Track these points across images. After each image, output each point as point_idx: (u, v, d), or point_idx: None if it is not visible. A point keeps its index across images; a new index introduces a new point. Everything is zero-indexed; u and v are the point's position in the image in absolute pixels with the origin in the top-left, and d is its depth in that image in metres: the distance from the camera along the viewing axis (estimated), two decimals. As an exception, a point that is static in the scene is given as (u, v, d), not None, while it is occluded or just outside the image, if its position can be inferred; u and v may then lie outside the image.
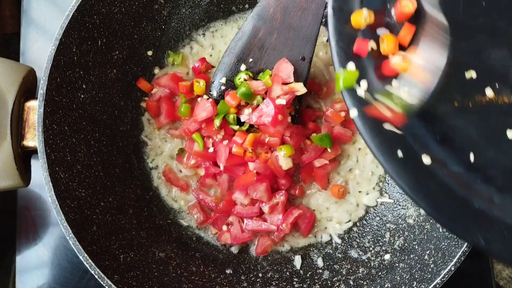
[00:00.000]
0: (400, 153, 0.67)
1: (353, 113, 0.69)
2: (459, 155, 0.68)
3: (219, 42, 1.12)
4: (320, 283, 1.00)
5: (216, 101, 1.00)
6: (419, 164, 0.67)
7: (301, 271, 1.03)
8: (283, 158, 0.97)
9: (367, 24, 0.69)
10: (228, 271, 1.01)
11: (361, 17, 0.68)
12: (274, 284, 1.00)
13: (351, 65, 0.69)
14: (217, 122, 0.97)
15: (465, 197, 0.67)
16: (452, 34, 0.69)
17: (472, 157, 0.68)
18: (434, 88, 0.68)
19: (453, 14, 0.69)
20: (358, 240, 1.04)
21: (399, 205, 1.02)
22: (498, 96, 0.68)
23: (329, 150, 1.02)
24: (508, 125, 0.68)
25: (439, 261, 0.86)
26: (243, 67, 0.98)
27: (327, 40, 1.11)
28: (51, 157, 0.88)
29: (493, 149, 0.68)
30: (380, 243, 1.01)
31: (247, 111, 0.97)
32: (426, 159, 0.67)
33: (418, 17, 0.69)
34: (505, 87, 0.68)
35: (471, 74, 0.68)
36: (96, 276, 0.84)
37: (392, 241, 0.99)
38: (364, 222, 1.05)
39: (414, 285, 0.88)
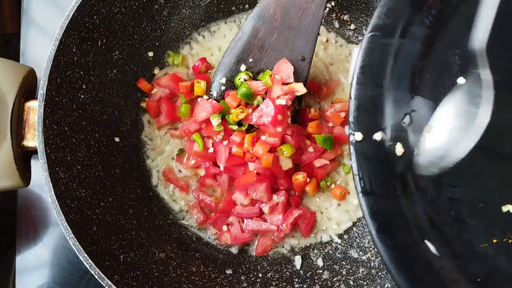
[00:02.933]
0: None
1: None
2: None
3: (219, 42, 1.12)
4: (320, 283, 1.00)
5: (216, 101, 1.00)
6: None
7: (301, 271, 1.03)
8: (283, 158, 0.97)
9: None
10: (228, 271, 1.01)
11: None
12: (274, 284, 1.00)
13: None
14: (214, 122, 0.96)
15: None
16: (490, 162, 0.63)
17: None
18: (472, 225, 0.62)
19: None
20: (358, 240, 1.04)
21: (399, 205, 1.02)
22: None
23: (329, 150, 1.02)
24: None
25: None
26: (243, 67, 0.98)
27: (327, 41, 1.11)
28: (51, 157, 0.87)
29: None
30: (380, 243, 1.01)
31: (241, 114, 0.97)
32: None
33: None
34: None
35: (508, 208, 0.63)
36: (96, 276, 0.84)
37: (392, 241, 0.99)
38: (364, 222, 1.05)
39: (414, 285, 0.88)
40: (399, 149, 0.64)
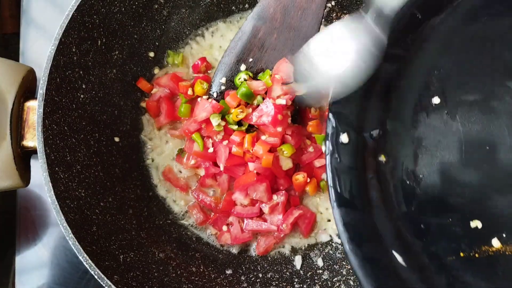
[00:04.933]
0: None
1: None
2: None
3: (219, 42, 1.11)
4: (320, 283, 0.99)
5: (216, 101, 0.99)
6: None
7: (301, 271, 1.02)
8: (283, 158, 0.97)
9: None
10: (228, 272, 1.01)
11: None
12: (274, 284, 1.00)
13: None
14: (214, 122, 0.96)
15: None
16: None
17: None
18: (440, 239, 0.63)
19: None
20: (358, 240, 1.03)
21: (399, 205, 1.02)
22: (505, 246, 0.63)
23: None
24: None
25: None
26: (243, 67, 0.98)
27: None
28: (50, 157, 0.87)
29: None
30: (380, 243, 1.01)
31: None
32: None
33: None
34: None
35: (476, 223, 0.65)
36: (96, 277, 0.84)
37: (392, 241, 0.99)
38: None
39: (414, 286, 0.88)
40: (381, 158, 0.66)
